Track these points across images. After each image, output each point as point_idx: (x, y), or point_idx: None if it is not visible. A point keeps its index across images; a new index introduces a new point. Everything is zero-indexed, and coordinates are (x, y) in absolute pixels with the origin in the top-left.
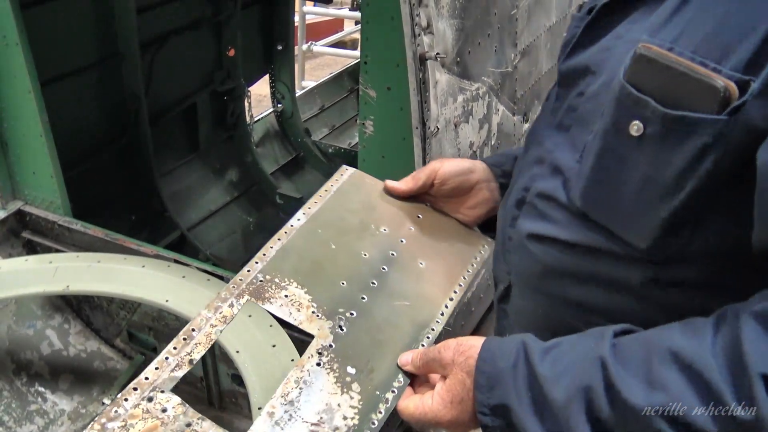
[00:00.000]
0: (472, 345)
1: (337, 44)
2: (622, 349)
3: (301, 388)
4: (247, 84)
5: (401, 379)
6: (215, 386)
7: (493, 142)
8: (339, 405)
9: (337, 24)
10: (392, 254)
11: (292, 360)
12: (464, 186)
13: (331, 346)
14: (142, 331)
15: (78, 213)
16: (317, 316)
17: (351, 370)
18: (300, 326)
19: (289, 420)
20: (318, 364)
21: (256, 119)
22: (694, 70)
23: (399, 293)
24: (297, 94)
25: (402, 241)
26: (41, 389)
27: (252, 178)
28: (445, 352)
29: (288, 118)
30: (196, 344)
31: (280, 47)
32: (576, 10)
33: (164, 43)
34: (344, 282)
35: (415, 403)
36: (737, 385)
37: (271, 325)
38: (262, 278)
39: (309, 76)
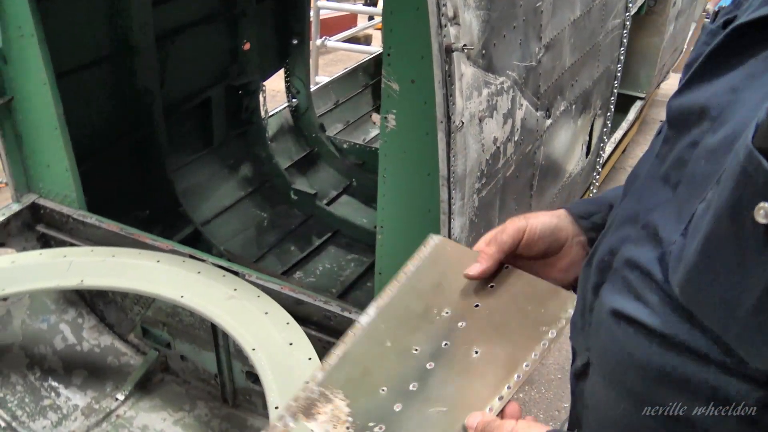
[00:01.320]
0: None
1: (350, 40)
2: None
3: None
4: (262, 79)
5: None
6: (230, 383)
7: (516, 138)
8: None
9: (350, 19)
10: (444, 345)
11: (309, 359)
12: (553, 247)
13: None
14: (156, 326)
15: (91, 207)
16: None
17: None
18: None
19: None
20: None
21: (270, 114)
22: None
23: (437, 398)
24: (311, 89)
25: (460, 325)
26: (54, 384)
27: (266, 173)
28: None
29: (302, 113)
30: None
31: (295, 42)
32: (707, 17)
33: (179, 36)
34: (384, 388)
35: None
36: None
37: (288, 323)
38: (317, 391)
39: (322, 72)
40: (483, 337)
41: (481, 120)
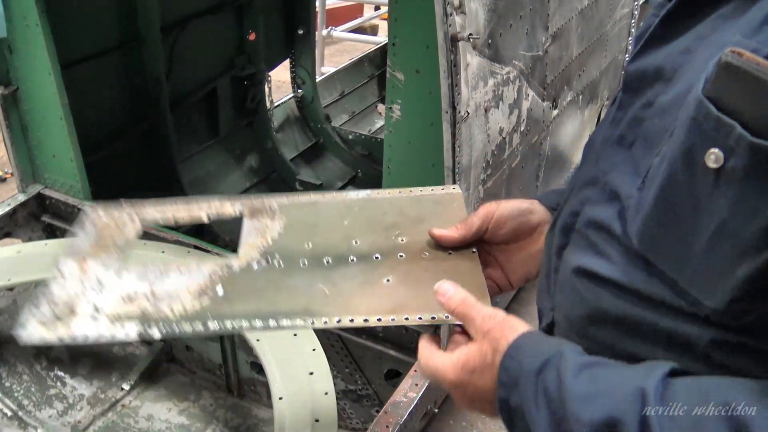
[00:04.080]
0: (514, 329)
1: (356, 30)
2: (672, 388)
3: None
4: (268, 69)
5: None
6: (234, 374)
7: (522, 128)
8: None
9: (356, 10)
10: (376, 257)
11: (313, 349)
12: (523, 229)
13: (229, 268)
14: None
15: (97, 197)
16: (258, 249)
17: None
18: (239, 246)
19: None
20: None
21: (276, 105)
22: None
23: (333, 282)
24: (317, 80)
25: (400, 256)
26: (61, 374)
27: (272, 164)
28: (488, 321)
29: (308, 103)
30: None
31: (301, 32)
32: None
33: (185, 26)
34: (310, 244)
35: (431, 352)
36: None
37: None
38: (272, 207)
39: (328, 62)
40: (404, 277)
41: (486, 110)
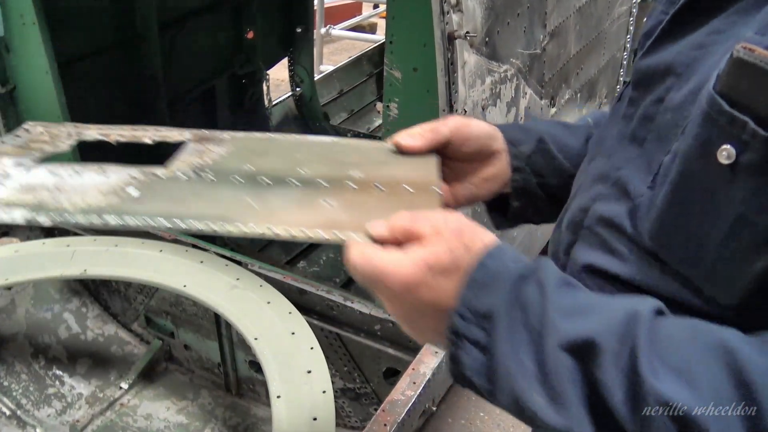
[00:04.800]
0: (487, 233)
1: (355, 28)
2: (664, 322)
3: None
4: (266, 67)
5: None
6: (233, 373)
7: None
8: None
9: (355, 8)
10: (321, 183)
11: (312, 348)
12: (484, 152)
13: (153, 175)
14: (160, 316)
15: None
16: (191, 165)
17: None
18: (171, 160)
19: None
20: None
21: (274, 103)
22: None
23: (264, 198)
24: (315, 78)
25: (351, 186)
26: (59, 373)
27: None
28: (454, 220)
29: (307, 102)
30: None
31: (299, 30)
32: None
33: (183, 24)
34: (250, 166)
35: (375, 249)
36: None
37: (290, 313)
38: (224, 137)
39: (327, 61)
40: (348, 203)
41: (484, 108)
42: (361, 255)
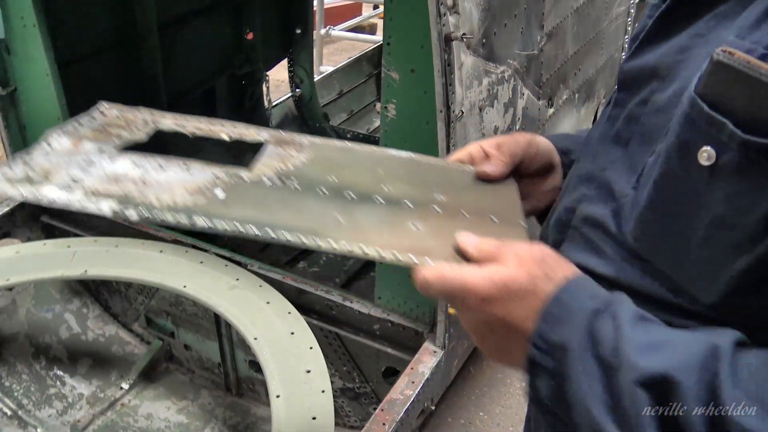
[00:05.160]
0: (571, 265)
1: (355, 29)
2: (745, 354)
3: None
4: (266, 68)
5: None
6: (233, 372)
7: (518, 127)
8: None
9: (355, 8)
10: (407, 204)
11: (311, 348)
12: (548, 166)
13: (238, 177)
14: (160, 316)
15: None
16: (275, 170)
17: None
18: (254, 162)
19: None
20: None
21: (274, 104)
22: None
23: (351, 214)
24: (315, 79)
25: (436, 210)
26: (60, 373)
27: None
28: (539, 249)
29: (306, 102)
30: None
31: (299, 31)
32: None
33: (183, 25)
34: (335, 178)
35: (456, 265)
36: None
37: (289, 313)
38: (303, 143)
39: (327, 61)
40: (434, 228)
41: (481, 109)
42: (443, 269)
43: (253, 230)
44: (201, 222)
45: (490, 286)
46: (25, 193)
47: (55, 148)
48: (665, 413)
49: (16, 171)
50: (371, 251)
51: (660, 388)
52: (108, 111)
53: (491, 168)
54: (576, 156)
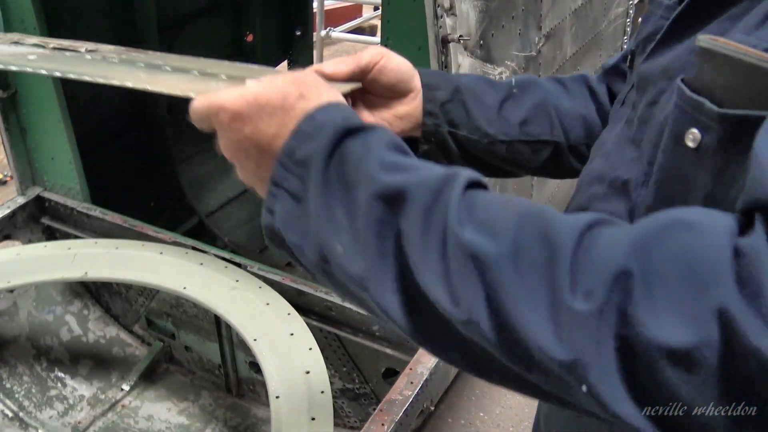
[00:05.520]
0: (327, 90)
1: (355, 30)
2: (481, 189)
3: None
4: None
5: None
6: (233, 373)
7: None
8: None
9: (355, 10)
10: (221, 76)
11: (310, 348)
12: (401, 88)
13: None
14: (161, 317)
15: (96, 199)
16: (108, 55)
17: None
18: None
19: None
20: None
21: None
22: (761, 60)
23: (158, 75)
24: None
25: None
26: (61, 375)
27: None
28: (302, 71)
29: None
30: None
31: (298, 32)
32: None
33: (183, 27)
34: (162, 62)
35: (215, 92)
36: (585, 272)
37: (289, 313)
38: (154, 53)
39: None
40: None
41: None
42: (204, 98)
43: (43, 72)
44: (12, 66)
45: (240, 102)
46: None
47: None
48: (394, 228)
49: None
50: (157, 87)
51: (393, 202)
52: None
53: (330, 67)
54: (443, 93)
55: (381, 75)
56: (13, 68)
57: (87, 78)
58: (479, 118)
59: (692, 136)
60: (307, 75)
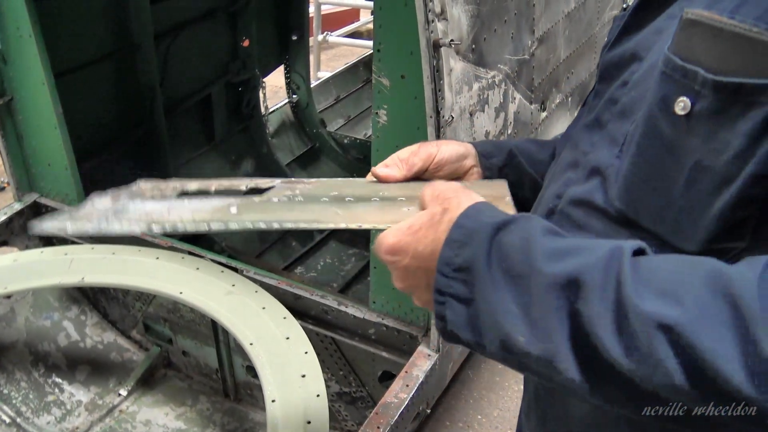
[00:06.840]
0: (471, 195)
1: (352, 34)
2: (647, 256)
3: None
4: (262, 75)
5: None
6: (231, 378)
7: (509, 131)
8: None
9: (352, 14)
10: (401, 199)
11: (306, 352)
12: (458, 172)
13: (250, 199)
14: (158, 322)
15: None
16: (285, 194)
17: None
18: (265, 194)
19: None
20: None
21: (271, 110)
22: (750, 30)
23: (349, 208)
24: (312, 85)
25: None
26: (58, 380)
27: (267, 169)
28: (441, 185)
29: (303, 108)
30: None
31: (295, 37)
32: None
33: (179, 33)
34: (336, 192)
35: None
36: None
37: (285, 318)
38: (309, 180)
39: (325, 67)
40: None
41: (471, 114)
42: (376, 243)
43: (261, 225)
44: (216, 225)
45: (396, 235)
46: (70, 227)
47: (97, 204)
48: (576, 313)
49: (61, 218)
50: (369, 226)
51: (569, 290)
52: (144, 184)
53: (383, 170)
54: (498, 159)
55: (437, 171)
56: (216, 226)
57: (303, 225)
58: (535, 175)
59: (682, 104)
60: (445, 188)
